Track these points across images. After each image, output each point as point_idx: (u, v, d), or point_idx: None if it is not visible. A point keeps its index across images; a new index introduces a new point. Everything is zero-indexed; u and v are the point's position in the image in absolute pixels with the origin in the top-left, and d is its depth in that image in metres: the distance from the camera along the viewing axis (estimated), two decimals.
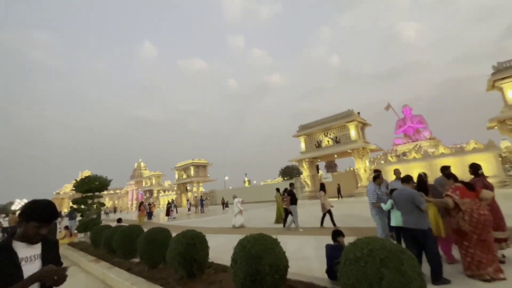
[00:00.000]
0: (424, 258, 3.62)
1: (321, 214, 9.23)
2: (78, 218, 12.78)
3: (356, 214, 11.13)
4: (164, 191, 51.10)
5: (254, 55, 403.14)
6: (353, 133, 22.35)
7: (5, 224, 16.92)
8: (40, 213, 1.54)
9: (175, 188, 46.10)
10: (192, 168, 40.92)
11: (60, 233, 11.36)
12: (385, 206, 4.65)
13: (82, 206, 11.65)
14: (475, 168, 4.42)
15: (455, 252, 4.16)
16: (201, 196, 31.56)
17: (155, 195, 50.32)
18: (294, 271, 3.79)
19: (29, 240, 1.54)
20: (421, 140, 24.29)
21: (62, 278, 1.46)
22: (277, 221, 11.19)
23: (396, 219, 4.40)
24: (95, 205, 11.82)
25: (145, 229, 5.54)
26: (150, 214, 21.44)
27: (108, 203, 57.31)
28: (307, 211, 13.68)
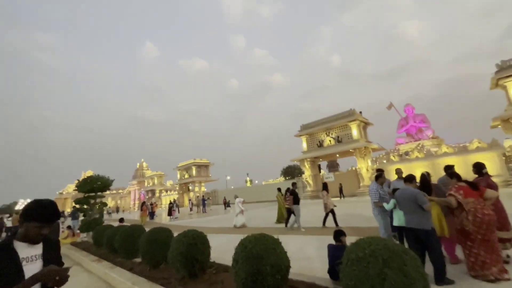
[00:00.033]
0: (427, 258, 3.58)
1: (323, 214, 9.20)
2: (81, 218, 12.84)
3: (358, 214, 11.08)
4: (166, 191, 51.28)
5: (255, 55, 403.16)
6: (355, 132, 22.26)
7: (9, 224, 17.07)
8: (42, 213, 1.53)
9: (177, 188, 46.23)
10: (194, 168, 41.01)
11: (63, 233, 11.42)
12: (388, 206, 4.62)
13: (85, 206, 11.71)
14: (479, 167, 4.37)
15: (459, 252, 4.12)
16: (203, 196, 31.62)
17: (157, 195, 50.50)
18: (296, 271, 3.77)
19: (30, 240, 1.54)
20: (424, 139, 24.12)
21: (64, 279, 1.46)
22: (278, 221, 11.16)
23: (399, 219, 4.37)
24: (98, 205, 11.87)
25: (147, 229, 5.54)
26: (152, 214, 21.51)
27: (110, 203, 57.60)
28: (309, 211, 13.65)
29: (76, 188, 11.63)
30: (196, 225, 13.70)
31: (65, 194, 62.11)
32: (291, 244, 6.48)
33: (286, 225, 9.65)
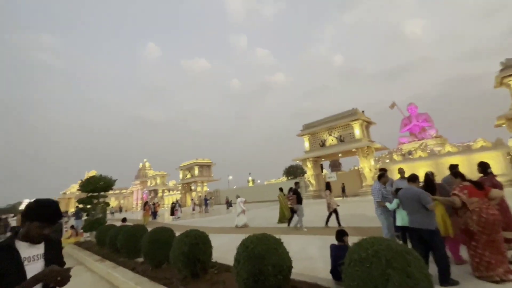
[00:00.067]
0: (431, 259, 3.54)
1: (325, 214, 9.16)
2: (84, 217, 12.92)
3: (361, 214, 11.02)
4: (169, 191, 51.48)
5: (256, 55, 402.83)
6: (357, 131, 22.15)
7: (13, 223, 17.23)
8: (43, 213, 1.53)
9: (180, 188, 46.37)
10: (196, 168, 41.10)
11: (66, 232, 11.51)
12: (391, 206, 4.58)
13: (88, 206, 11.78)
14: (483, 167, 4.32)
15: (463, 253, 4.07)
16: (205, 196, 31.68)
17: (159, 194, 50.72)
18: (298, 271, 3.75)
19: (32, 240, 1.54)
20: (427, 138, 23.96)
21: (66, 279, 1.46)
22: (280, 221, 11.14)
23: (402, 219, 4.33)
24: (101, 205, 11.93)
25: (150, 229, 5.56)
26: (154, 214, 21.59)
27: (113, 202, 57.94)
28: (311, 211, 13.60)
29: (80, 188, 11.71)
30: (198, 225, 13.73)
31: (69, 194, 62.55)
32: (293, 244, 6.46)
33: (288, 225, 9.63)
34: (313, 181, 24.85)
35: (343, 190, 21.57)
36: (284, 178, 60.56)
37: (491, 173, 4.34)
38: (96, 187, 11.17)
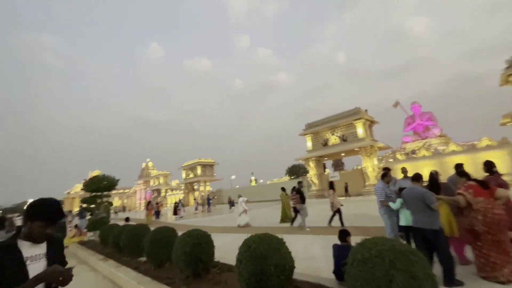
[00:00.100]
0: (435, 259, 3.50)
1: (328, 213, 9.12)
2: (88, 217, 13.01)
3: (364, 213, 10.96)
4: (172, 190, 51.69)
5: (258, 54, 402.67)
6: (360, 131, 22.03)
7: (19, 222, 17.42)
8: (45, 213, 1.53)
9: (183, 187, 46.54)
10: (199, 168, 41.20)
11: (70, 232, 11.60)
12: (394, 205, 4.54)
13: (92, 206, 11.86)
14: (489, 166, 4.26)
15: (468, 253, 4.02)
16: (208, 196, 31.76)
17: (162, 194, 50.95)
18: (301, 271, 3.72)
19: (34, 240, 1.53)
20: (431, 137, 23.77)
21: (68, 278, 1.46)
22: (282, 221, 11.11)
23: (406, 219, 4.29)
24: (104, 204, 12.01)
25: (153, 228, 5.57)
26: (157, 213, 21.69)
27: (117, 202, 58.37)
28: (314, 210, 13.55)
29: (83, 188, 11.79)
30: (200, 224, 13.76)
31: (73, 194, 63.15)
32: (296, 243, 6.44)
33: (292, 224, 9.60)
34: (315, 181, 24.79)
35: (346, 189, 21.49)
36: (286, 178, 60.48)
37: (497, 172, 4.28)
38: (99, 186, 11.24)
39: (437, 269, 3.28)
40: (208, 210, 24.73)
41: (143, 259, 5.63)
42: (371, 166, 20.92)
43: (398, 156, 20.72)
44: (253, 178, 63.70)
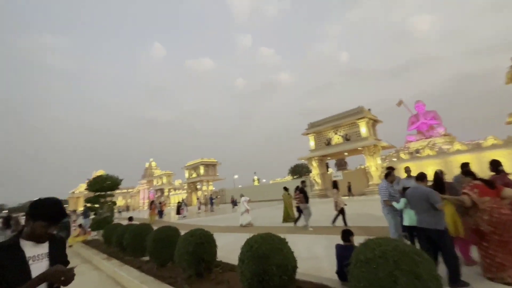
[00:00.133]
0: (440, 259, 3.45)
1: (331, 213, 9.07)
2: (92, 216, 13.12)
3: (368, 213, 10.89)
4: (175, 190, 51.91)
5: (261, 54, 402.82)
6: (363, 130, 21.88)
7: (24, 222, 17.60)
8: (47, 212, 1.53)
9: (186, 187, 46.70)
10: (201, 167, 41.30)
11: (75, 231, 11.69)
12: (398, 205, 4.49)
13: (96, 205, 11.94)
14: (495, 165, 4.19)
15: (474, 254, 3.96)
16: (210, 195, 31.84)
17: (166, 193, 51.19)
18: (304, 271, 3.70)
19: (37, 239, 1.53)
20: (435, 136, 23.51)
21: (70, 278, 1.45)
22: (285, 220, 11.09)
23: (410, 218, 4.24)
24: (107, 204, 12.09)
25: (156, 228, 5.58)
26: (161, 213, 21.79)
27: (121, 202, 58.79)
28: (317, 210, 13.50)
29: (87, 187, 11.89)
30: (203, 224, 13.79)
31: (77, 193, 63.72)
32: (298, 243, 6.42)
33: (295, 224, 9.56)
34: (318, 180, 24.69)
35: (349, 189, 21.37)
36: (289, 177, 60.39)
37: (503, 171, 4.20)
38: (103, 186, 11.32)
39: (442, 270, 3.23)
40: (211, 210, 24.79)
41: (146, 258, 5.65)
42: (374, 166, 20.77)
43: (402, 155, 20.55)
44: (255, 177, 63.73)
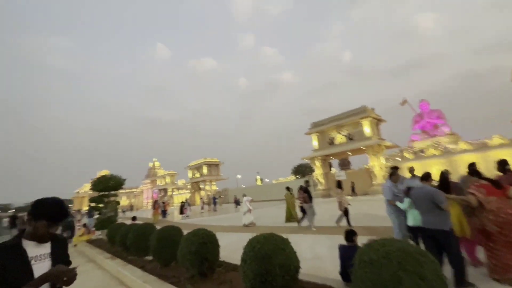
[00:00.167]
0: (446, 260, 3.40)
1: (334, 213, 9.01)
2: (96, 216, 13.23)
3: (371, 213, 10.81)
4: (178, 190, 52.14)
5: (264, 53, 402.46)
6: (367, 129, 21.74)
7: None
8: (49, 212, 1.53)
9: (189, 187, 46.88)
10: (204, 167, 41.42)
11: (79, 230, 11.80)
12: (403, 206, 4.43)
13: (100, 205, 12.04)
14: (502, 164, 4.11)
15: (480, 254, 3.90)
16: (213, 195, 31.90)
17: (169, 193, 51.43)
18: (307, 271, 3.68)
19: (39, 239, 1.53)
20: (440, 135, 23.26)
21: (72, 278, 1.45)
22: (288, 220, 11.05)
23: (414, 219, 4.19)
24: (111, 204, 12.17)
25: (159, 227, 5.60)
26: (164, 212, 21.90)
27: (125, 201, 59.23)
28: (320, 210, 13.43)
29: (91, 187, 11.98)
30: (206, 223, 13.82)
31: (82, 193, 64.33)
32: (301, 243, 6.39)
33: (299, 223, 9.52)
34: (321, 180, 24.60)
35: (353, 189, 21.26)
36: (292, 177, 60.26)
37: (510, 171, 4.13)
38: (107, 186, 11.40)
39: (447, 271, 3.18)
40: (214, 209, 24.83)
41: (150, 258, 5.68)
42: (378, 165, 20.62)
43: (406, 154, 20.37)
44: (258, 177, 63.72)
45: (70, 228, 12.31)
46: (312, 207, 8.94)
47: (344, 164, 28.94)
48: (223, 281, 3.75)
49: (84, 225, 12.15)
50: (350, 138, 22.98)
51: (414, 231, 4.48)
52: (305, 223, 9.24)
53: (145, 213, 32.79)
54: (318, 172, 24.94)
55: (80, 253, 9.12)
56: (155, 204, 19.85)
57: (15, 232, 6.81)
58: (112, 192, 12.08)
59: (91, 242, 9.91)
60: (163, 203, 23.30)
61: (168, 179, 53.39)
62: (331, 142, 24.37)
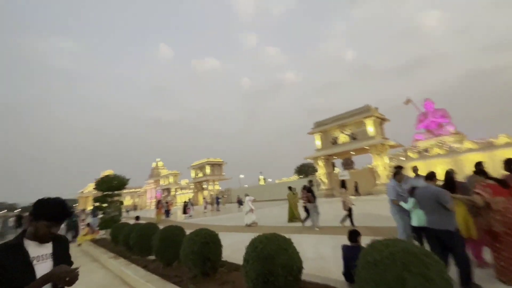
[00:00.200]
0: (451, 261, 3.35)
1: (337, 213, 8.96)
2: (100, 215, 13.32)
3: (375, 213, 10.72)
4: (181, 189, 52.37)
5: (267, 53, 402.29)
6: (370, 129, 21.58)
7: None
8: (49, 212, 1.52)
9: (192, 187, 47.06)
10: (207, 167, 41.53)
11: (83, 230, 11.90)
12: (407, 206, 4.37)
13: (104, 205, 12.12)
14: (510, 164, 4.03)
15: (487, 255, 3.84)
16: (216, 195, 31.97)
17: (172, 193, 51.68)
18: (310, 271, 3.65)
19: (40, 239, 1.52)
20: (445, 135, 22.99)
21: (74, 279, 1.45)
22: (290, 220, 11.02)
23: (418, 219, 4.13)
24: (115, 203, 12.24)
25: (162, 227, 5.60)
26: (167, 212, 21.99)
27: (128, 201, 59.68)
28: (323, 209, 13.35)
29: (95, 187, 12.07)
30: (209, 223, 13.84)
31: (86, 193, 64.96)
32: (304, 243, 6.36)
33: (303, 223, 9.48)
34: (325, 180, 24.50)
35: (356, 188, 21.13)
36: (295, 177, 60.12)
37: None
38: (110, 186, 11.47)
39: (453, 272, 3.13)
40: (217, 209, 24.88)
41: (152, 257, 5.69)
42: (382, 165, 20.46)
43: (410, 154, 20.19)
44: (261, 177, 63.71)
45: (75, 227, 12.43)
46: (317, 207, 8.89)
47: (348, 164, 28.79)
48: (225, 281, 3.74)
49: (88, 225, 12.26)
50: (353, 137, 22.84)
51: (418, 232, 4.42)
52: (308, 223, 9.19)
53: (149, 213, 32.96)
54: (321, 171, 24.84)
55: (84, 252, 9.19)
56: (158, 204, 19.93)
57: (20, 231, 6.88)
58: (116, 192, 12.15)
59: (95, 241, 9.98)
60: (166, 203, 23.41)
61: (171, 179, 53.65)
62: (334, 142, 24.25)
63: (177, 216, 21.97)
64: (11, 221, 17.81)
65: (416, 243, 3.91)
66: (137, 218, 10.29)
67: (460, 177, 4.80)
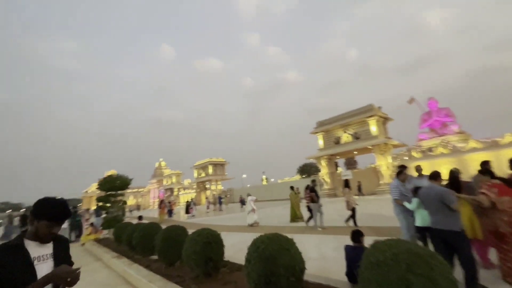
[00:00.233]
0: (456, 262, 3.30)
1: (339, 212, 8.91)
2: (103, 215, 13.39)
3: (378, 213, 10.65)
4: (184, 189, 52.53)
5: (269, 53, 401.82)
6: (373, 128, 21.43)
7: None
8: (50, 212, 1.51)
9: (195, 186, 47.18)
10: (210, 167, 41.60)
11: (86, 230, 11.97)
12: (411, 206, 4.32)
13: (107, 204, 12.18)
14: None
15: (493, 256, 3.77)
16: (219, 194, 32.01)
17: (175, 193, 51.87)
18: (312, 272, 3.63)
19: (41, 239, 1.52)
20: (449, 134, 22.75)
21: (75, 279, 1.44)
22: (293, 220, 10.98)
23: (422, 219, 4.07)
24: (118, 203, 12.31)
25: (165, 227, 5.61)
26: (170, 212, 22.07)
27: (131, 201, 60.01)
28: (326, 209, 13.30)
29: (98, 187, 12.14)
30: (211, 223, 13.85)
31: (90, 193, 65.42)
32: (307, 244, 6.33)
33: (307, 223, 9.44)
34: (327, 180, 24.39)
35: (359, 188, 21.01)
36: (298, 177, 59.99)
37: None
38: (113, 185, 11.53)
39: (458, 273, 3.08)
40: (219, 209, 24.91)
41: (155, 257, 5.69)
42: (385, 165, 20.32)
43: (414, 153, 20.01)
44: (264, 177, 63.68)
45: (78, 227, 12.51)
46: (320, 206, 8.85)
47: (351, 164, 28.67)
48: (227, 281, 3.73)
49: (91, 224, 12.34)
50: (356, 137, 22.70)
51: (422, 232, 4.37)
52: (312, 222, 9.16)
53: (152, 213, 33.12)
54: (324, 171, 24.74)
55: (88, 251, 9.24)
56: (161, 203, 20.01)
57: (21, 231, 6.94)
58: (119, 192, 12.21)
59: (98, 241, 10.03)
60: (169, 202, 23.50)
61: (174, 179, 53.85)
62: (337, 141, 24.13)
63: (180, 216, 22.03)
64: (16, 221, 17.99)
65: (420, 243, 3.86)
66: (140, 217, 10.31)
67: (464, 177, 4.73)
